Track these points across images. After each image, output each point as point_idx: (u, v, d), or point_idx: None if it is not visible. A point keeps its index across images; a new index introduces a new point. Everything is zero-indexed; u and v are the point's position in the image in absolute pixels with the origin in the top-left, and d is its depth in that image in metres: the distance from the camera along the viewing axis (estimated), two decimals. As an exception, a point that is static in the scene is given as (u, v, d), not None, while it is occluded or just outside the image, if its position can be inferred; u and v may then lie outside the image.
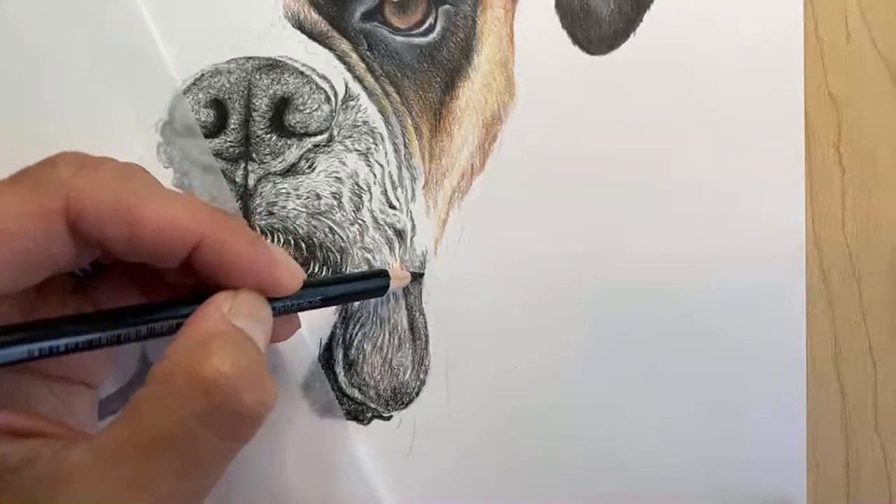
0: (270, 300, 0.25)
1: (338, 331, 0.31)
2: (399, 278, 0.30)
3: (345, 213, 0.31)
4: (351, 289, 0.28)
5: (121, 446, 0.20)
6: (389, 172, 0.32)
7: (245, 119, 0.31)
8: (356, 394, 0.31)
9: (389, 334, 0.31)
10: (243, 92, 0.31)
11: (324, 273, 0.31)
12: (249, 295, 0.24)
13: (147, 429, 0.20)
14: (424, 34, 0.32)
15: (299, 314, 0.29)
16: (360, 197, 0.31)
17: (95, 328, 0.22)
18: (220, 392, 0.20)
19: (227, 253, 0.23)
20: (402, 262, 0.31)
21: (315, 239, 0.31)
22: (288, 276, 0.25)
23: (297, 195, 0.31)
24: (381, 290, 0.29)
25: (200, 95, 0.31)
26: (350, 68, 0.32)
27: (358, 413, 0.31)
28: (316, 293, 0.26)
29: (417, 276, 0.31)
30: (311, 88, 0.31)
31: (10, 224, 0.21)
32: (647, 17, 0.32)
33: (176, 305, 0.24)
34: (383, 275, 0.29)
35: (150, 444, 0.20)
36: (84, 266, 0.26)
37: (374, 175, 0.31)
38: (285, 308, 0.25)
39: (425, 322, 0.31)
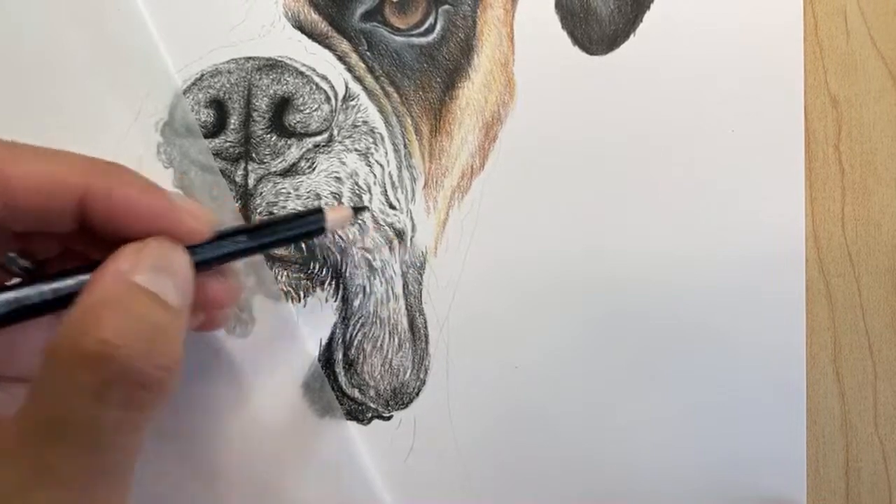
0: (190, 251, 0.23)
1: (338, 331, 0.31)
2: (337, 214, 0.27)
3: (345, 213, 0.31)
4: (280, 233, 0.26)
5: (22, 432, 0.19)
6: (389, 172, 0.32)
7: (245, 119, 0.31)
8: (356, 394, 0.31)
9: (389, 334, 0.31)
10: (243, 92, 0.31)
11: (323, 271, 0.31)
12: (158, 243, 0.22)
13: (43, 412, 0.19)
14: (424, 34, 0.32)
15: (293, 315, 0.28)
16: (360, 197, 0.31)
17: None
18: (107, 365, 0.19)
19: (118, 204, 0.22)
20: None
21: (315, 239, 0.31)
22: (192, 219, 0.23)
23: (297, 195, 0.31)
24: (317, 232, 0.27)
25: (200, 95, 0.31)
26: (350, 68, 0.32)
27: (358, 413, 0.31)
28: (237, 240, 0.25)
29: (360, 210, 0.30)
30: (311, 88, 0.31)
31: None
32: (647, 17, 0.32)
33: (83, 269, 0.22)
34: (317, 213, 0.27)
35: (47, 427, 0.19)
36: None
37: (374, 175, 0.31)
38: (208, 259, 0.24)
39: (425, 322, 0.31)
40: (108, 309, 0.20)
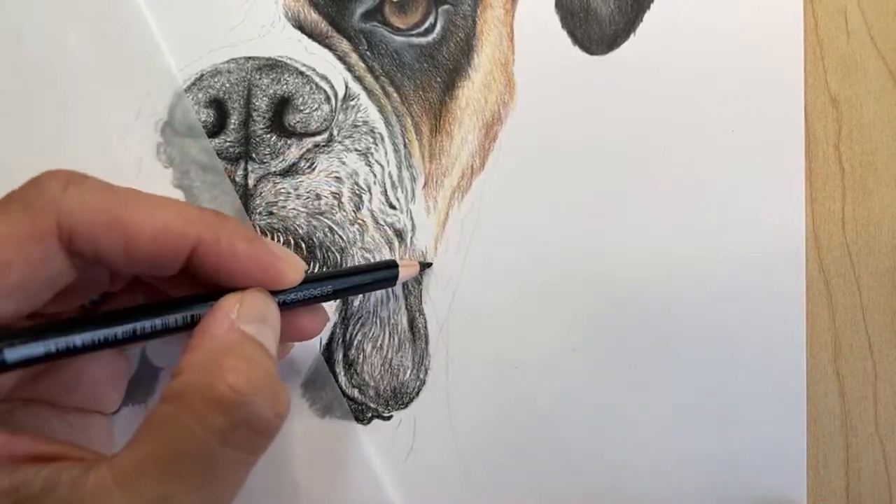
0: (279, 293, 0.25)
1: (338, 331, 0.31)
2: (408, 269, 0.30)
3: (345, 213, 0.31)
4: (360, 280, 0.28)
5: (141, 466, 0.20)
6: (389, 172, 0.32)
7: (245, 119, 0.31)
8: (356, 394, 0.31)
9: (389, 334, 0.31)
10: (243, 92, 0.31)
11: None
12: (256, 295, 0.24)
13: (167, 448, 0.20)
14: (424, 34, 0.32)
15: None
16: (360, 197, 0.31)
17: (112, 324, 0.22)
18: (237, 410, 0.21)
19: (224, 253, 0.23)
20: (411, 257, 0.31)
21: (315, 239, 0.31)
22: (288, 269, 0.25)
23: (297, 195, 0.31)
24: (391, 281, 0.29)
25: (200, 95, 0.31)
26: (350, 68, 0.32)
27: (358, 413, 0.31)
28: (324, 285, 0.26)
29: (426, 266, 0.31)
30: (310, 88, 0.31)
31: (5, 251, 0.21)
32: (647, 17, 0.32)
33: (188, 302, 0.24)
34: (392, 265, 0.29)
35: (170, 463, 0.20)
36: (92, 297, 0.26)
37: (374, 175, 0.31)
38: (295, 301, 0.25)
39: (425, 322, 0.31)
40: (233, 357, 0.22)
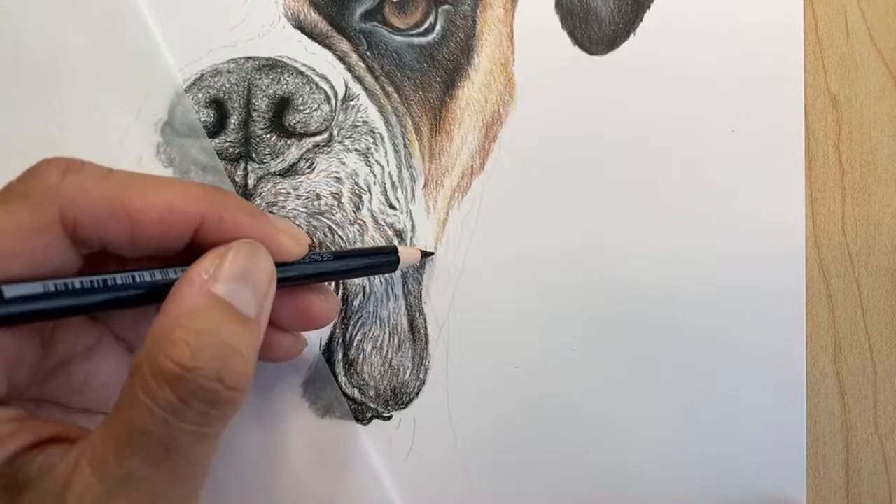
0: (281, 269, 0.24)
1: (338, 331, 0.31)
2: (409, 255, 0.30)
3: (345, 213, 0.31)
4: (361, 263, 0.28)
5: (105, 444, 0.20)
6: (389, 172, 0.32)
7: (245, 119, 0.31)
8: (356, 394, 0.31)
9: (389, 334, 0.31)
10: (243, 92, 0.31)
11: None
12: (241, 249, 0.23)
13: (124, 424, 0.20)
14: (424, 34, 0.32)
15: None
16: (360, 197, 0.31)
17: (107, 272, 0.22)
18: (182, 385, 0.20)
19: (228, 228, 0.23)
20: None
21: (315, 239, 0.31)
22: (290, 241, 0.24)
23: (297, 195, 0.31)
24: (392, 266, 0.29)
25: (200, 95, 0.31)
26: (350, 68, 0.32)
27: (358, 413, 0.31)
28: (326, 265, 0.26)
29: (427, 255, 0.31)
30: (310, 88, 0.31)
31: (8, 244, 0.20)
32: (647, 17, 0.32)
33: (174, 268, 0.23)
34: (393, 251, 0.29)
35: (130, 439, 0.20)
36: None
37: (374, 175, 0.31)
38: (296, 277, 0.25)
39: (425, 322, 0.31)
40: (184, 327, 0.21)
